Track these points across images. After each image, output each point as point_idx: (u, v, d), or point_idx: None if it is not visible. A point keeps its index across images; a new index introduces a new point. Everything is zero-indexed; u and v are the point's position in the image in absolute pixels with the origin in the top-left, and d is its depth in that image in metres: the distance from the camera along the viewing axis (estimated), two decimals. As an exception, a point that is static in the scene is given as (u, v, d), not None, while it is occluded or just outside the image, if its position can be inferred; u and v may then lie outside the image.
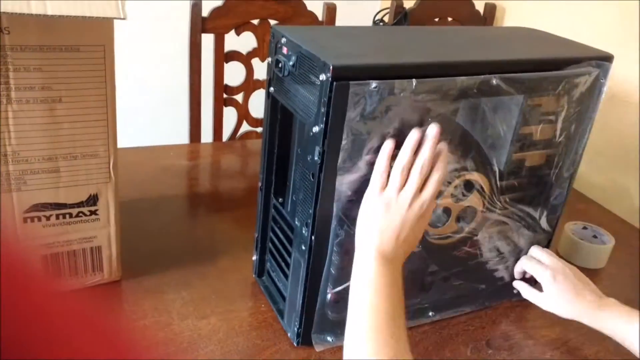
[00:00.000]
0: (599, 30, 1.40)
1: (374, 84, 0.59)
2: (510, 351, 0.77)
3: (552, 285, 0.78)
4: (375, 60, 0.63)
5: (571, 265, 0.81)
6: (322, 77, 0.58)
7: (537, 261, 0.81)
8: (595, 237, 1.00)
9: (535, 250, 0.83)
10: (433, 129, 0.64)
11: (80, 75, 0.65)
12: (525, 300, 0.82)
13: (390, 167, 0.63)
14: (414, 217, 0.63)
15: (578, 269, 0.97)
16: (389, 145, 0.63)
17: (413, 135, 0.63)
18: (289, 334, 0.74)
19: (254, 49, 1.41)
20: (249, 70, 1.43)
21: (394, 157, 0.64)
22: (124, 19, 0.57)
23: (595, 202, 1.21)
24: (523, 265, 0.83)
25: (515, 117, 0.72)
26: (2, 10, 0.53)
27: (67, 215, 0.72)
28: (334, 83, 0.57)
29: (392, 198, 0.63)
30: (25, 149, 0.66)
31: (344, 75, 0.58)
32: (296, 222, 0.70)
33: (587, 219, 1.05)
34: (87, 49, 0.63)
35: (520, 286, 0.84)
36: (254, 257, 0.83)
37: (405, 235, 0.63)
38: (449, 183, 0.71)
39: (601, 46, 0.78)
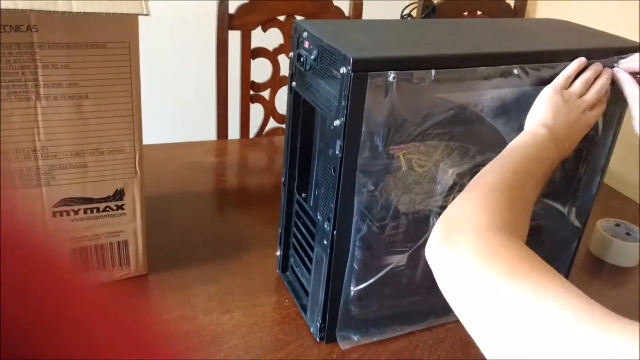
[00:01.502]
0: (634, 24, 1.35)
1: (392, 74, 0.58)
2: (538, 349, 0.76)
3: None
4: (396, 53, 0.62)
5: None
6: (343, 70, 0.58)
7: None
8: (628, 234, 0.97)
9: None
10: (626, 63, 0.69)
11: (106, 72, 0.66)
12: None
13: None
14: (585, 124, 0.67)
15: (609, 267, 0.95)
16: (582, 60, 0.68)
17: (579, 61, 0.68)
18: (311, 329, 0.74)
19: (280, 45, 1.42)
20: (276, 66, 1.43)
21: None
22: (147, 15, 0.58)
23: (629, 198, 1.17)
24: None
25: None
26: (29, 8, 0.54)
27: (95, 210, 0.73)
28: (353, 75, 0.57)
29: (573, 97, 0.66)
30: (53, 145, 0.67)
31: (365, 68, 0.58)
32: (318, 217, 0.70)
33: (620, 216, 1.02)
34: (112, 45, 0.65)
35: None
36: (278, 253, 0.84)
37: (573, 133, 0.65)
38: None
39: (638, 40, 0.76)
